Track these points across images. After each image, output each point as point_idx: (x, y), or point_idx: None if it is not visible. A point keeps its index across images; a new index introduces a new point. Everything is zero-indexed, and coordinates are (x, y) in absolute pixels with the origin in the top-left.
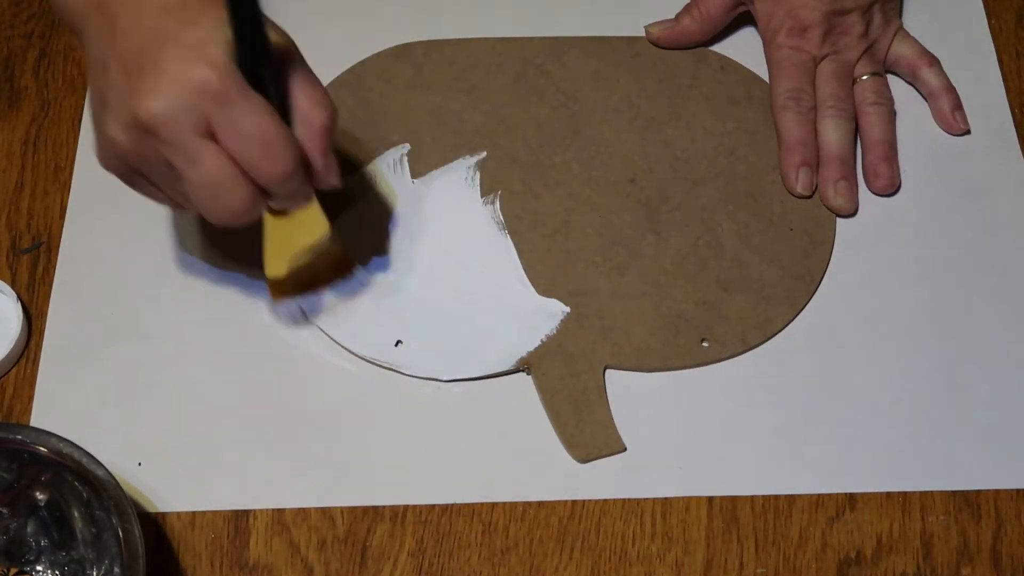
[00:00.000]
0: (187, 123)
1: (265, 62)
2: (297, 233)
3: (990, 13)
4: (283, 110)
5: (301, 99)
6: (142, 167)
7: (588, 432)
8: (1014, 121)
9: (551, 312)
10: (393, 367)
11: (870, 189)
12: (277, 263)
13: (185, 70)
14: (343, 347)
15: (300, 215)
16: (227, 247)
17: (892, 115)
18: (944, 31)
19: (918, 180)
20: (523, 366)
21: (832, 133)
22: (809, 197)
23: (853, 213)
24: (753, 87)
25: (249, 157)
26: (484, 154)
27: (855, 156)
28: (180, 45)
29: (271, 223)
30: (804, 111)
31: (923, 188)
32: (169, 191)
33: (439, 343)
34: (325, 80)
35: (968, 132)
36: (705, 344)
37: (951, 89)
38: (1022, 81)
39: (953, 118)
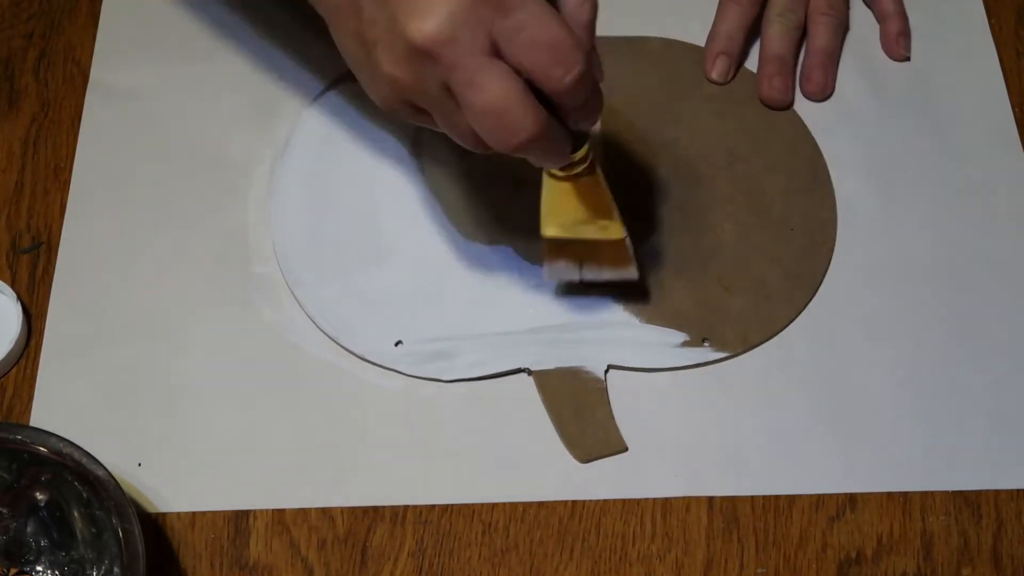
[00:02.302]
0: (468, 39)
1: None
2: (576, 204)
3: (990, 13)
4: None
5: None
6: (422, 100)
7: (589, 432)
8: (1015, 121)
9: (552, 312)
10: (393, 367)
11: (802, 93)
12: (551, 224)
13: None
14: (343, 347)
15: (581, 185)
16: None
17: (840, 27)
18: (944, 31)
19: (919, 179)
20: (524, 366)
21: (775, 36)
22: (723, 84)
23: (788, 106)
24: (753, 87)
25: (539, 64)
26: None
27: (796, 60)
28: None
29: (550, 185)
30: (745, 6)
31: (923, 188)
32: (448, 125)
33: (440, 343)
34: (327, 82)
35: (907, 59)
36: (706, 344)
37: (903, 15)
38: (1022, 81)
39: (896, 43)
